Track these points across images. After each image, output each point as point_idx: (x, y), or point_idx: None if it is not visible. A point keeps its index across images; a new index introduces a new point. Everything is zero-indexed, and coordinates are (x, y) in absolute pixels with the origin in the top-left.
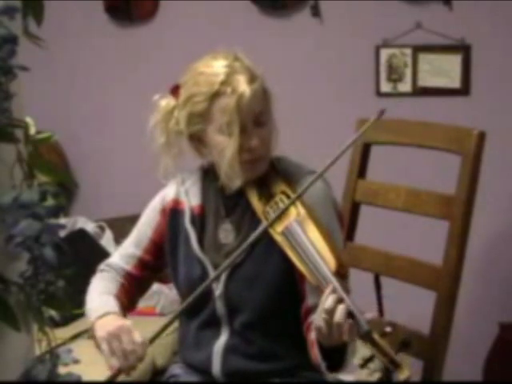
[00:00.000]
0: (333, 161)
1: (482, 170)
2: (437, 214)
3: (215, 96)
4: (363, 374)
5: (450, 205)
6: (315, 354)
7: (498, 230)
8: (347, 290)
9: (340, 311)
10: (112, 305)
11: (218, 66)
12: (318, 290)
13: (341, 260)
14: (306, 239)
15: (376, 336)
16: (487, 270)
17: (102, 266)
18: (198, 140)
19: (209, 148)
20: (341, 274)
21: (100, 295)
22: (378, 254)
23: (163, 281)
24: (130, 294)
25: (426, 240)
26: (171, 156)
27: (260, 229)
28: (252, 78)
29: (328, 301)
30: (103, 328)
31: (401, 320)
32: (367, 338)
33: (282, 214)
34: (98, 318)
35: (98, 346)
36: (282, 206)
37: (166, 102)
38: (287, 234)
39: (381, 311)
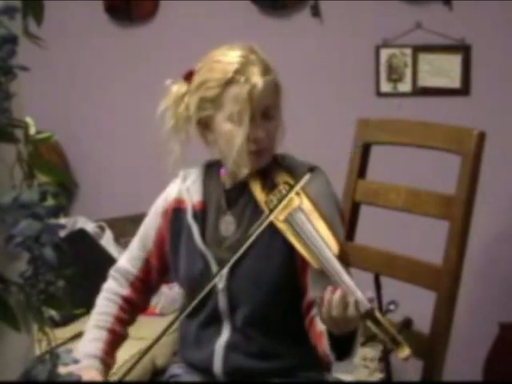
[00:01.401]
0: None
1: (482, 170)
2: (437, 214)
3: (228, 84)
4: (363, 374)
5: (450, 205)
6: (323, 345)
7: (498, 230)
8: (350, 275)
9: (338, 294)
10: (94, 352)
11: (233, 56)
12: (321, 276)
13: (343, 246)
14: (310, 225)
15: (378, 314)
16: (487, 270)
17: (111, 271)
18: (205, 126)
19: (215, 135)
20: (343, 259)
21: (93, 331)
22: (378, 254)
23: (163, 281)
24: (137, 299)
25: (426, 240)
26: (178, 141)
27: (263, 218)
28: (266, 71)
29: (327, 296)
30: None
31: (401, 320)
32: (369, 316)
33: (285, 202)
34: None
35: None
36: (285, 193)
37: (178, 87)
38: (290, 220)
39: (381, 311)
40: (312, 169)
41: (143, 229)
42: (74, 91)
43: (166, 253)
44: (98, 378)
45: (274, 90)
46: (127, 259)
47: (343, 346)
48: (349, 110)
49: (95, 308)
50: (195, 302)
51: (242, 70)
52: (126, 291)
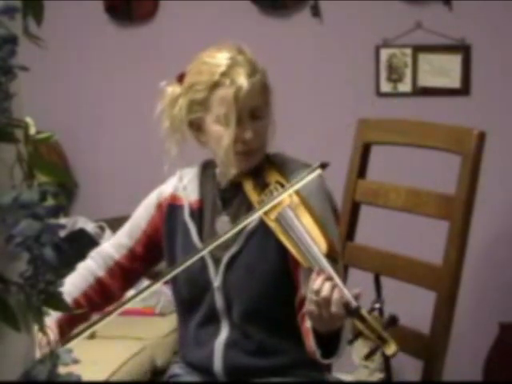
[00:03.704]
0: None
1: (482, 169)
2: (437, 214)
3: (215, 86)
4: (363, 374)
5: (449, 205)
6: (310, 342)
7: (498, 230)
8: (339, 273)
9: (326, 287)
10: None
11: (221, 58)
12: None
13: (332, 243)
14: (299, 223)
15: (364, 312)
16: (487, 270)
17: (92, 252)
18: (197, 128)
19: (207, 136)
20: (331, 256)
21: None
22: (377, 254)
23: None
24: (113, 286)
25: (426, 240)
26: (174, 141)
27: (254, 214)
28: (252, 72)
29: (316, 282)
30: None
31: (401, 320)
32: (356, 314)
33: (275, 202)
34: None
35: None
36: (276, 194)
37: (172, 88)
38: (280, 218)
39: (380, 311)
40: (306, 165)
41: (133, 219)
42: (73, 91)
43: (156, 244)
44: (53, 326)
45: (261, 90)
46: (111, 245)
47: (330, 344)
48: (349, 110)
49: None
50: (181, 268)
51: (228, 72)
52: (101, 273)
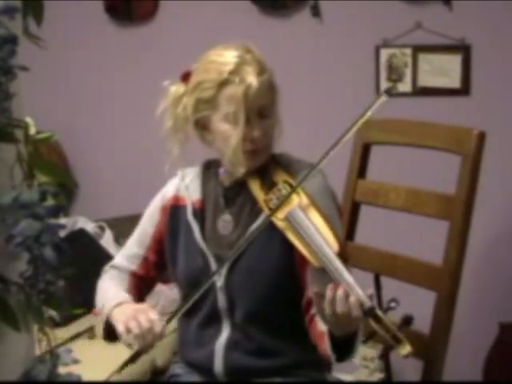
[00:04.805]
0: (338, 139)
1: (482, 169)
2: (437, 214)
3: (223, 84)
4: (363, 374)
5: (449, 205)
6: (324, 345)
7: (498, 230)
8: (350, 273)
9: (341, 290)
10: (125, 296)
11: (229, 56)
12: (321, 274)
13: (342, 243)
14: (309, 222)
15: (379, 312)
16: (487, 270)
17: (106, 267)
18: (202, 127)
19: (213, 135)
20: (342, 256)
21: (112, 288)
22: (378, 254)
23: (163, 281)
24: (137, 292)
25: (426, 240)
26: (177, 141)
27: (263, 217)
28: (261, 71)
29: (335, 300)
30: (121, 313)
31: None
32: (370, 313)
33: (285, 201)
34: (114, 307)
35: (115, 335)
36: (284, 192)
37: (176, 88)
38: (290, 218)
39: (382, 308)
40: (311, 165)
41: (141, 227)
42: (73, 91)
43: (165, 248)
44: (155, 315)
45: (269, 89)
46: (124, 257)
47: (344, 346)
48: (349, 110)
49: (100, 291)
50: (195, 298)
51: (236, 70)
52: (123, 285)
